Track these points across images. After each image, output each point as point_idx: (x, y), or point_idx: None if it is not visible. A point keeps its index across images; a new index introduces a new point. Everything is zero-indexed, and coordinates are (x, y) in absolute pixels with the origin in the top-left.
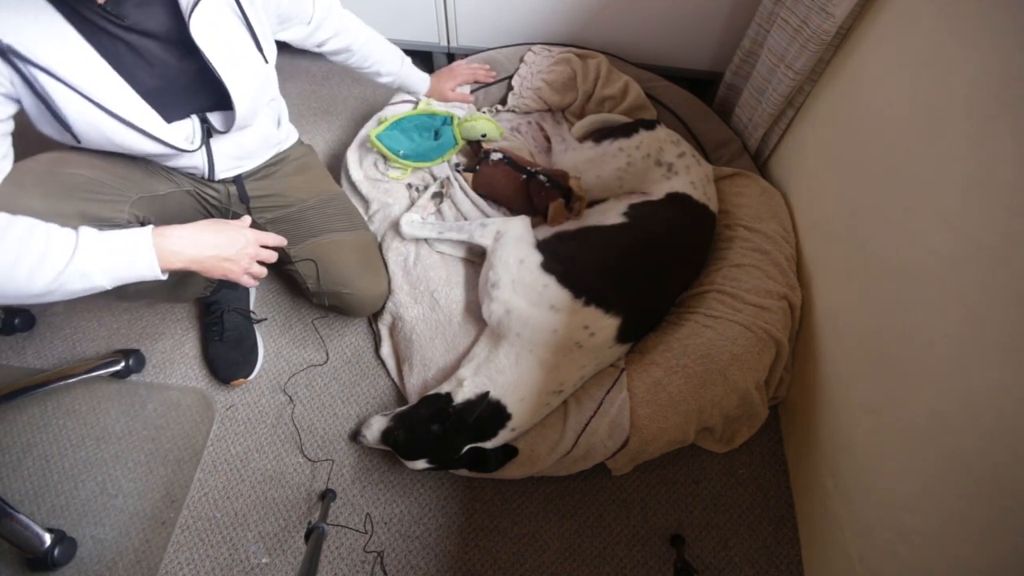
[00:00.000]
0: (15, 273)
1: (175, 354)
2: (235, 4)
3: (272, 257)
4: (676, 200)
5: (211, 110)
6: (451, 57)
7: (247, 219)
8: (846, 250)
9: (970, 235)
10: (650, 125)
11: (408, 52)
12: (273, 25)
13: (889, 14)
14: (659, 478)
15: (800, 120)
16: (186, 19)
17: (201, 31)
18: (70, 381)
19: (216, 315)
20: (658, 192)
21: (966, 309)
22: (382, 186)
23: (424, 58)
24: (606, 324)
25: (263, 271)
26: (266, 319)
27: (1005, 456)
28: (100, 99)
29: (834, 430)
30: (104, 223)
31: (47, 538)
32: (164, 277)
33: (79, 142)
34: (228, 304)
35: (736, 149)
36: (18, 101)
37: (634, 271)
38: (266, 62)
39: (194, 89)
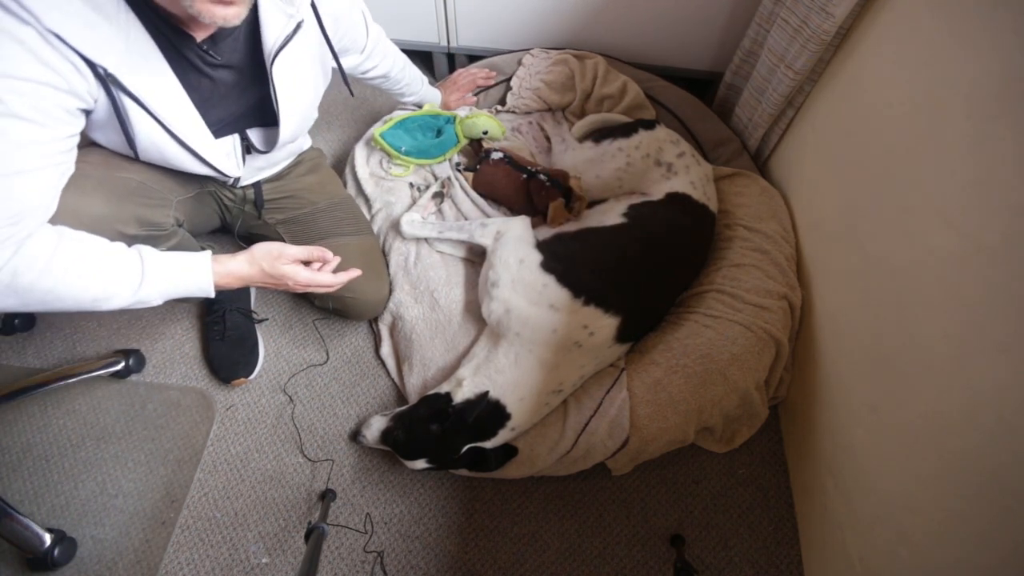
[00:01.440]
0: (81, 299)
1: (175, 354)
2: (324, 38)
3: (325, 281)
4: (676, 200)
5: (253, 126)
6: (451, 57)
7: (303, 251)
8: (846, 250)
9: (970, 235)
10: (649, 125)
11: (408, 52)
12: None
13: (889, 14)
14: (659, 478)
15: (800, 120)
16: (268, 59)
17: (281, 69)
18: (70, 381)
19: (218, 314)
20: (658, 192)
21: (966, 309)
22: (385, 184)
23: (424, 58)
24: (605, 324)
25: (313, 288)
26: (267, 319)
27: (1006, 456)
28: (173, 127)
29: (834, 430)
30: (154, 228)
31: (47, 538)
32: (213, 295)
33: (137, 156)
34: (230, 304)
35: (735, 149)
36: (89, 113)
37: (634, 271)
38: (351, 94)
39: (247, 112)
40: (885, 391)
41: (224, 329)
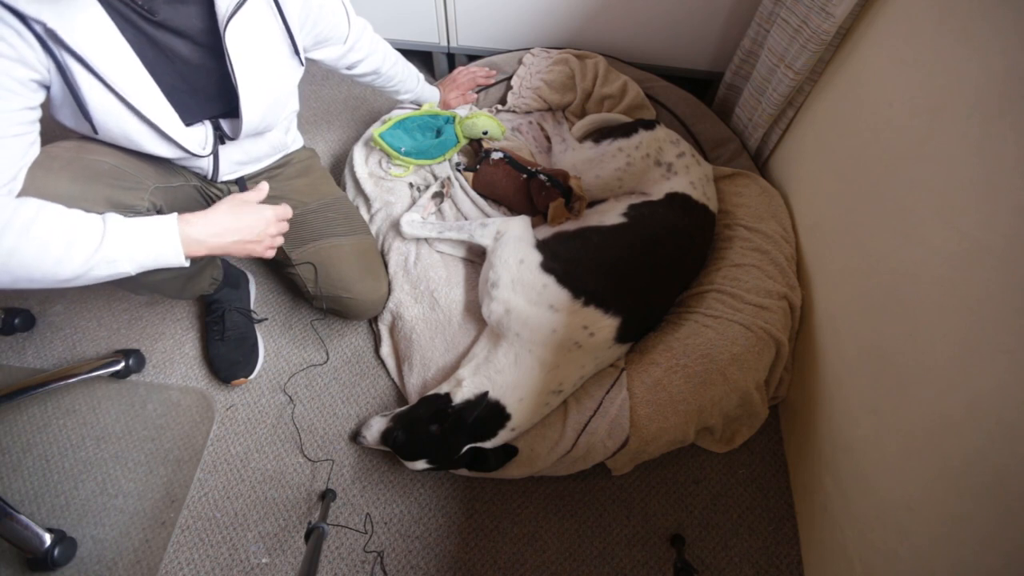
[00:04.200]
0: (44, 259)
1: (175, 354)
2: (278, 13)
3: (286, 227)
4: (676, 200)
5: (224, 116)
6: (451, 57)
7: (264, 187)
8: (846, 250)
9: (971, 235)
10: (649, 125)
11: (408, 52)
12: (308, 44)
13: (889, 14)
14: (659, 478)
15: (800, 120)
16: (221, 26)
17: (235, 39)
18: (70, 381)
19: (217, 314)
20: (658, 192)
21: (967, 310)
22: (385, 184)
23: (424, 58)
24: (605, 324)
25: (281, 240)
26: (267, 319)
27: (1007, 458)
28: (125, 93)
29: (834, 430)
30: (127, 210)
31: (47, 538)
32: (187, 264)
33: (96, 133)
34: (229, 303)
35: (735, 149)
36: (48, 87)
37: (634, 271)
38: (301, 64)
39: (213, 94)
40: (885, 391)
41: (224, 329)
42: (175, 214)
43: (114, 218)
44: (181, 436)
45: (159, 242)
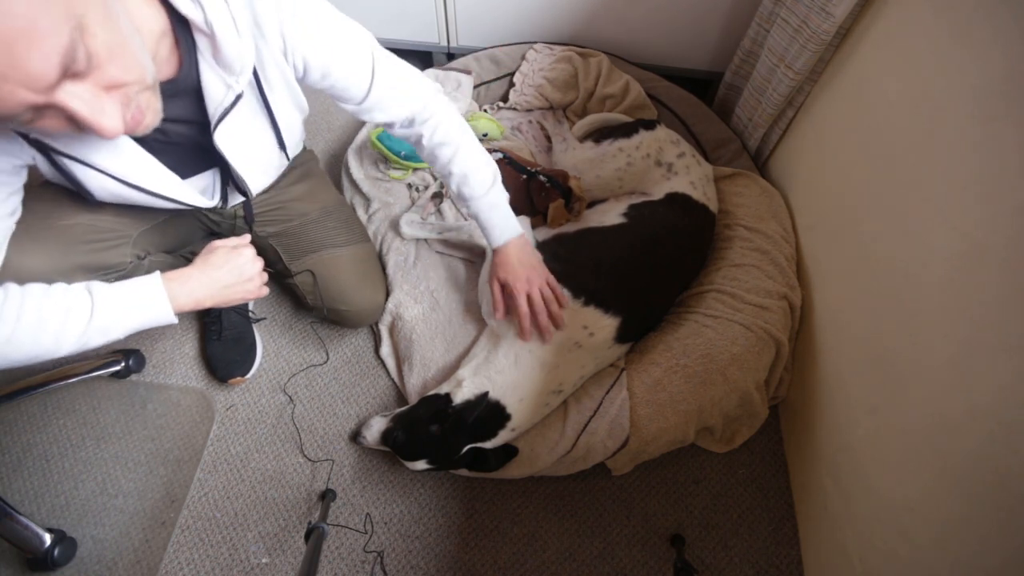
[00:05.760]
0: (40, 341)
1: (175, 354)
2: (265, 109)
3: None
4: (676, 200)
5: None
6: (451, 57)
7: (247, 238)
8: (846, 250)
9: (971, 235)
10: (650, 125)
11: (408, 52)
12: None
13: (889, 14)
14: (659, 478)
15: (800, 120)
16: (212, 127)
17: (226, 138)
18: (70, 381)
19: (215, 314)
20: (658, 192)
21: (968, 310)
22: (383, 185)
23: (424, 58)
24: (605, 324)
25: (266, 276)
26: (265, 318)
27: (1007, 458)
28: (124, 175)
29: (834, 430)
30: (110, 271)
31: (47, 538)
32: (176, 321)
33: (93, 199)
34: None
35: (736, 149)
36: (32, 165)
37: (634, 271)
38: (287, 158)
39: (216, 158)
40: (885, 391)
41: (221, 328)
42: (158, 274)
43: (99, 288)
44: (181, 436)
45: (147, 305)
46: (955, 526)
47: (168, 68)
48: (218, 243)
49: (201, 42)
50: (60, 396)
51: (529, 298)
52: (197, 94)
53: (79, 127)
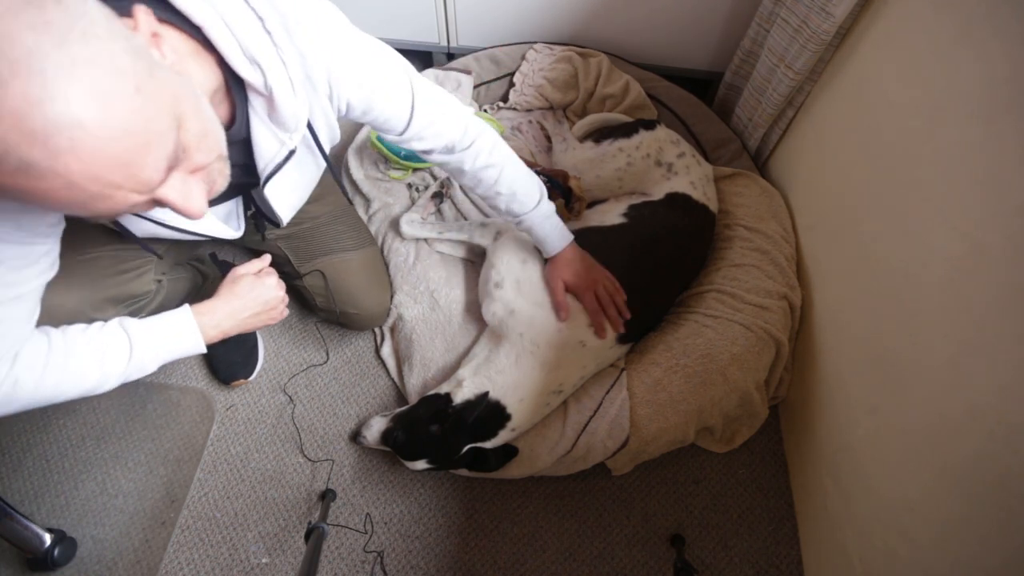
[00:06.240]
0: (84, 383)
1: None
2: (314, 155)
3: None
4: (676, 200)
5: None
6: (451, 57)
7: (267, 259)
8: (846, 250)
9: (971, 235)
10: (650, 125)
11: (408, 52)
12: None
13: (889, 14)
14: (659, 478)
15: (800, 120)
16: (261, 182)
17: (274, 190)
18: None
19: None
20: (658, 192)
21: (968, 310)
22: (383, 185)
23: (424, 58)
24: None
25: (287, 299)
26: None
27: (1007, 457)
28: (162, 219)
29: (834, 430)
30: (137, 300)
31: (47, 538)
32: (205, 351)
33: (128, 235)
34: None
35: (736, 149)
36: None
37: (634, 271)
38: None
39: (239, 190)
40: (885, 391)
41: None
42: (187, 307)
43: (133, 326)
44: (181, 436)
45: (180, 340)
46: (955, 526)
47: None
48: (241, 270)
49: (255, 100)
50: None
51: (596, 295)
52: (246, 143)
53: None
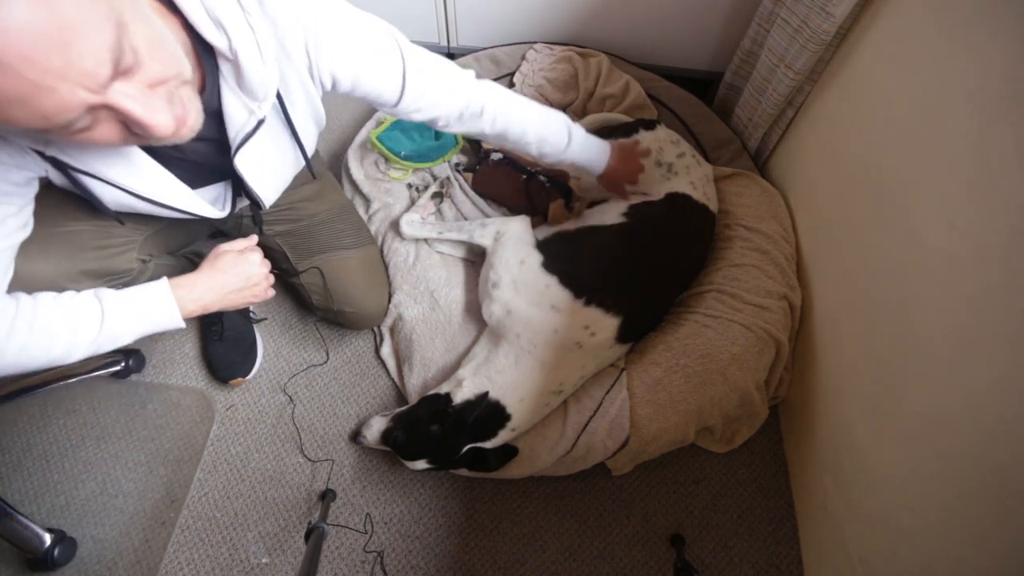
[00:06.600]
0: (52, 350)
1: (175, 354)
2: (288, 129)
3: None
4: (676, 200)
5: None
6: (451, 57)
7: (253, 239)
8: (846, 250)
9: (971, 234)
10: (650, 125)
11: None
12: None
13: (889, 14)
14: (659, 478)
15: (800, 120)
16: (232, 152)
17: (245, 162)
18: (70, 381)
19: (215, 315)
20: (658, 192)
21: (967, 309)
22: (383, 185)
23: None
24: (606, 324)
25: (272, 279)
26: (266, 319)
27: (1006, 456)
28: (138, 190)
29: (834, 430)
30: (117, 276)
31: (47, 538)
32: (184, 326)
33: (105, 209)
34: None
35: (736, 149)
36: (44, 177)
37: (634, 271)
38: (309, 170)
39: (225, 174)
40: (885, 391)
41: (222, 329)
42: (164, 279)
43: (108, 295)
44: (181, 436)
45: (156, 312)
46: (954, 524)
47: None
48: (224, 247)
49: (224, 67)
50: (60, 396)
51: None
52: (218, 116)
53: (133, 133)
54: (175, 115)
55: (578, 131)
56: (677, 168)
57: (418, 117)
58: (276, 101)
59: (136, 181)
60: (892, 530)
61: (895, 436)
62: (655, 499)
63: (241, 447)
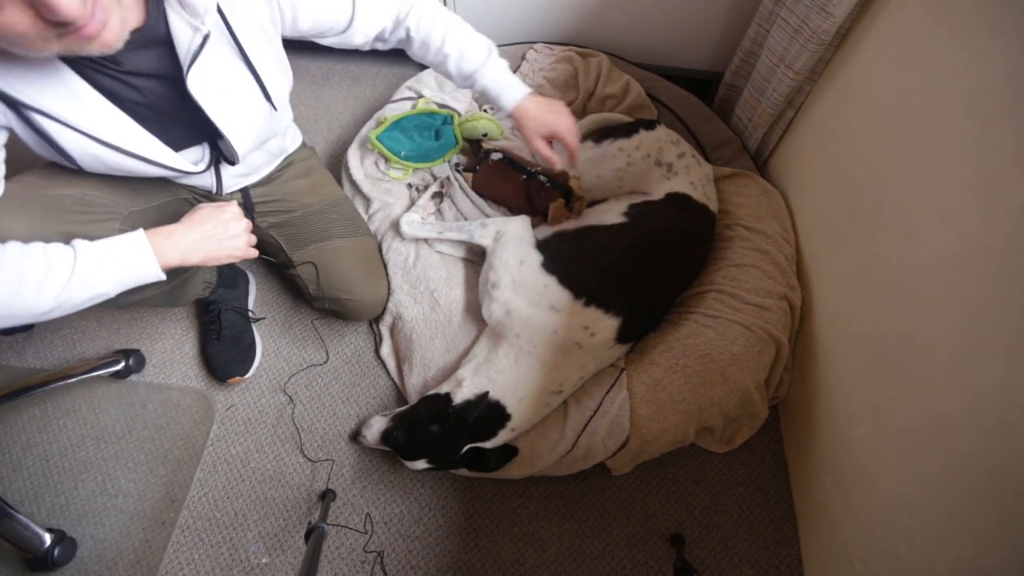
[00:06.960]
0: (21, 294)
1: (175, 354)
2: (239, 52)
3: (250, 224)
4: (676, 200)
5: (219, 138)
6: None
7: (233, 202)
8: (846, 250)
9: (971, 234)
10: (650, 125)
11: None
12: (304, 32)
13: (889, 14)
14: (659, 478)
15: (800, 120)
16: (184, 72)
17: (199, 85)
18: (70, 381)
19: (214, 314)
20: (658, 192)
21: (967, 309)
22: (383, 185)
23: None
24: (606, 324)
25: (254, 239)
26: (264, 318)
27: (1006, 456)
28: (99, 134)
29: (834, 430)
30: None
31: (47, 538)
32: (163, 277)
33: (78, 167)
34: (226, 303)
35: (736, 149)
36: (9, 129)
37: (634, 271)
38: (274, 109)
39: (198, 123)
40: (885, 391)
41: (220, 328)
42: (141, 230)
43: (81, 243)
44: (181, 436)
45: (131, 258)
46: (955, 524)
47: (135, 16)
48: (204, 204)
49: None
50: (60, 396)
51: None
52: (168, 45)
53: (47, 22)
54: (90, 10)
55: (500, 60)
56: (677, 168)
57: (359, 40)
58: (219, 17)
59: (89, 121)
60: (892, 530)
61: (895, 436)
62: (655, 499)
63: (241, 447)
